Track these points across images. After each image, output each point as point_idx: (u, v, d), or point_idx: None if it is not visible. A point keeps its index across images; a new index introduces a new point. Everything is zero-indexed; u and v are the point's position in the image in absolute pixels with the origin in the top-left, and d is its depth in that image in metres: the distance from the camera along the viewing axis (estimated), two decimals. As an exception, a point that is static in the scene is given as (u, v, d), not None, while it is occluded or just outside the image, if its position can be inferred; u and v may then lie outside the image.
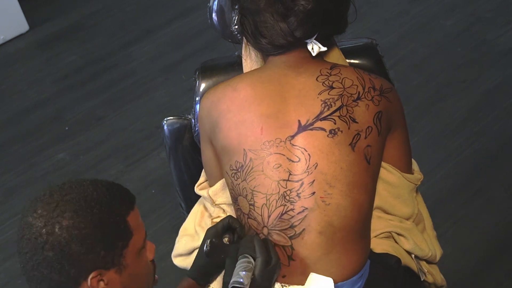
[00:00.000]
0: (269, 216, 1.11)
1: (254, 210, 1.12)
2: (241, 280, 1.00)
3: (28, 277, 0.90)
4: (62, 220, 0.88)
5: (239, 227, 1.14)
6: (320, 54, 1.21)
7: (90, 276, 0.89)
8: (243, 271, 1.02)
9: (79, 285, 0.90)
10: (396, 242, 1.25)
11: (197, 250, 1.30)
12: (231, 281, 1.00)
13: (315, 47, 1.15)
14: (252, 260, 1.05)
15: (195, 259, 1.20)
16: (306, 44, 1.16)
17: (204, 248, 1.10)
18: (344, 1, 1.19)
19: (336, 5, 1.16)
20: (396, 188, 1.24)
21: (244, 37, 1.26)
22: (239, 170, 1.14)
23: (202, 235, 1.30)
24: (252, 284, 1.03)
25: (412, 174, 1.30)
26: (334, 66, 1.18)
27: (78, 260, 0.88)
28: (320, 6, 1.11)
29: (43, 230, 0.87)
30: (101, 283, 0.91)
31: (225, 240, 1.14)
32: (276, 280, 1.12)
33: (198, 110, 1.38)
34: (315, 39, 1.15)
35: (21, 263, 0.90)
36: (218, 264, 1.14)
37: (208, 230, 1.15)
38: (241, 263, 1.04)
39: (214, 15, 1.35)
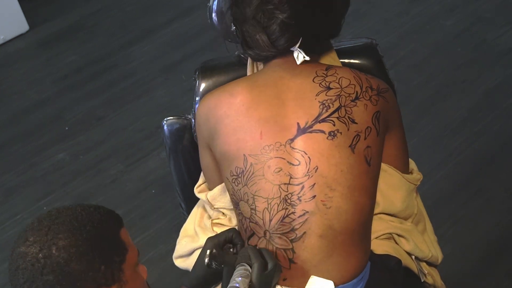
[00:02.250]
0: (270, 220, 1.11)
1: (255, 214, 1.12)
2: (237, 285, 0.99)
3: None
4: (57, 241, 0.86)
5: (240, 244, 1.14)
6: (316, 57, 1.21)
7: None
8: (239, 277, 1.01)
9: None
10: (396, 243, 1.25)
11: (197, 251, 1.30)
12: (228, 287, 1.00)
13: (300, 56, 1.14)
14: (249, 267, 1.04)
15: (193, 268, 1.18)
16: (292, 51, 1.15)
17: (205, 258, 1.09)
18: (329, 6, 1.16)
19: (318, 12, 1.14)
20: (397, 190, 1.24)
21: None
22: (240, 175, 1.13)
23: (201, 236, 1.30)
24: None
25: (411, 173, 1.30)
26: (329, 67, 1.17)
27: (80, 279, 0.87)
28: (297, 15, 1.10)
29: (39, 255, 0.86)
30: None
31: (225, 251, 1.13)
32: (277, 283, 1.12)
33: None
34: (300, 46, 1.13)
35: None
36: (216, 274, 1.14)
37: (208, 239, 1.14)
38: (238, 270, 1.03)
39: (214, 15, 1.35)
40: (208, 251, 1.07)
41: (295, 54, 1.14)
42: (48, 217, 0.90)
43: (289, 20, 1.09)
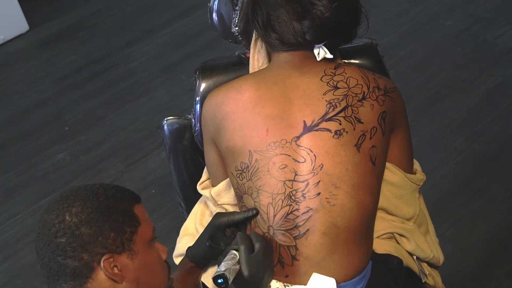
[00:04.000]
0: (274, 216, 1.11)
1: (259, 207, 1.13)
2: (219, 269, 1.01)
3: (47, 272, 0.95)
4: (71, 208, 0.94)
5: (243, 227, 1.17)
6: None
7: (103, 258, 0.93)
8: (223, 262, 1.03)
9: (93, 270, 0.93)
10: (398, 243, 1.25)
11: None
12: (214, 273, 1.01)
13: (321, 52, 1.15)
14: (237, 253, 1.06)
15: (196, 242, 1.23)
16: (313, 47, 1.16)
17: (207, 238, 1.14)
18: (359, 16, 1.20)
19: (352, 18, 1.17)
20: (399, 189, 1.24)
21: (254, 30, 1.25)
22: (245, 170, 1.14)
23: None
24: (240, 275, 1.03)
25: (414, 174, 1.30)
26: (338, 65, 1.18)
27: (89, 242, 0.92)
28: (337, 17, 1.12)
29: (55, 220, 0.94)
30: (115, 269, 0.94)
31: (227, 233, 1.17)
32: (279, 280, 1.12)
33: (200, 111, 1.38)
34: (324, 44, 1.15)
35: (40, 259, 0.96)
36: (217, 252, 1.18)
37: (215, 217, 1.18)
38: (227, 257, 1.06)
39: (214, 15, 1.35)
40: (208, 233, 1.13)
41: (315, 51, 1.15)
42: (68, 190, 0.99)
43: (330, 16, 1.11)
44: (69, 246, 0.92)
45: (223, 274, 1.00)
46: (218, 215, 1.18)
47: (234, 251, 1.06)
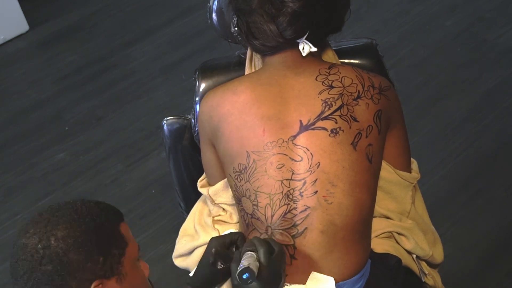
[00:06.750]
0: (272, 216, 1.11)
1: (257, 210, 1.12)
2: (241, 265, 0.96)
3: None
4: (56, 232, 0.88)
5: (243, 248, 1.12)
6: (318, 53, 1.21)
7: (92, 286, 0.88)
8: (243, 260, 0.99)
9: None
10: (397, 242, 1.25)
11: (197, 249, 1.31)
12: (238, 269, 0.97)
13: (306, 47, 1.14)
14: (255, 253, 1.02)
15: (197, 267, 1.17)
16: (297, 44, 1.15)
17: (210, 257, 1.08)
18: (336, 2, 1.17)
19: (327, 4, 1.15)
20: (387, 183, 1.24)
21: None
22: (243, 171, 1.14)
23: (202, 234, 1.30)
24: (261, 275, 0.99)
25: (410, 172, 1.29)
26: (332, 65, 1.18)
27: (78, 269, 0.87)
28: (308, 6, 1.11)
29: (38, 245, 0.87)
30: None
31: (230, 251, 1.11)
32: (284, 270, 1.11)
33: (198, 112, 1.38)
34: (306, 39, 1.14)
35: (19, 287, 0.88)
36: (220, 274, 1.12)
37: (213, 239, 1.12)
38: (244, 257, 1.01)
39: (214, 15, 1.35)
40: (213, 250, 1.07)
41: (300, 46, 1.15)
42: (48, 210, 0.91)
43: (301, 9, 1.09)
44: (56, 274, 0.86)
45: (248, 267, 0.95)
46: (215, 239, 1.12)
47: (250, 252, 1.02)
